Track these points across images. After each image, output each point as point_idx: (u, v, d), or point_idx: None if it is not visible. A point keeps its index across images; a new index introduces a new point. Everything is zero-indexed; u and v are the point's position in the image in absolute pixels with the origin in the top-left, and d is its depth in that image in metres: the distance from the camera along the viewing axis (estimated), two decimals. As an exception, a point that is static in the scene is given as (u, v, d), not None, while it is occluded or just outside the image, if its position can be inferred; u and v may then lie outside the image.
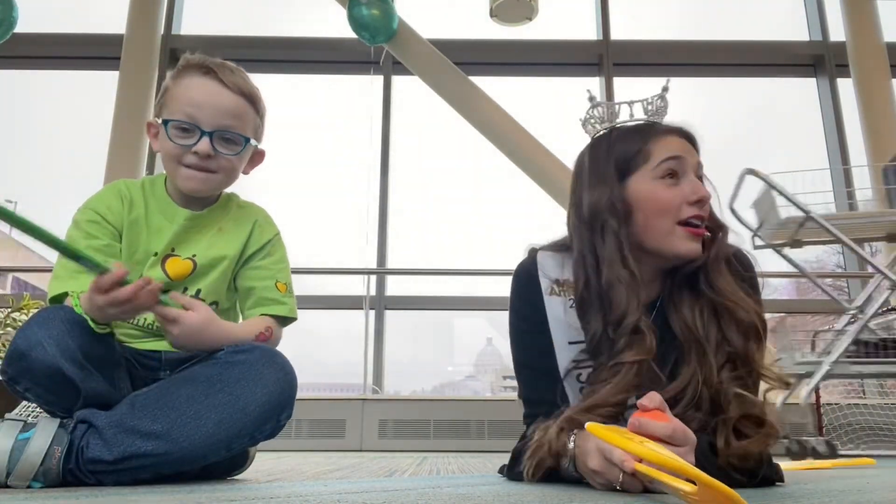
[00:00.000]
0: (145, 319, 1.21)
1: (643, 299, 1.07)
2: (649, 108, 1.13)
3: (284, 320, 1.31)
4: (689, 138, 1.12)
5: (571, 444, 0.93)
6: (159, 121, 1.21)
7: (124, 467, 0.96)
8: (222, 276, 1.27)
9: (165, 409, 1.00)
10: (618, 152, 1.11)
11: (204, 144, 1.17)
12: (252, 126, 1.25)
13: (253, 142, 1.26)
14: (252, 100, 1.24)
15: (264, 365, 1.08)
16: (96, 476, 0.96)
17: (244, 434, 1.05)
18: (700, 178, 1.11)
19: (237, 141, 1.22)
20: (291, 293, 1.33)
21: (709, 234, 1.09)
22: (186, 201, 1.27)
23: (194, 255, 1.25)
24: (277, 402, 1.07)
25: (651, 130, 1.11)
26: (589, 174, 1.12)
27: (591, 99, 1.16)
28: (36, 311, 1.07)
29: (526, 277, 1.19)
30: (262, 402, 1.05)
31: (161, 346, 1.20)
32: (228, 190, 1.34)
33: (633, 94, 1.14)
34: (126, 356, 1.16)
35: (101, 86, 5.42)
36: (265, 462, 1.91)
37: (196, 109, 1.17)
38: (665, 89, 1.13)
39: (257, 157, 1.32)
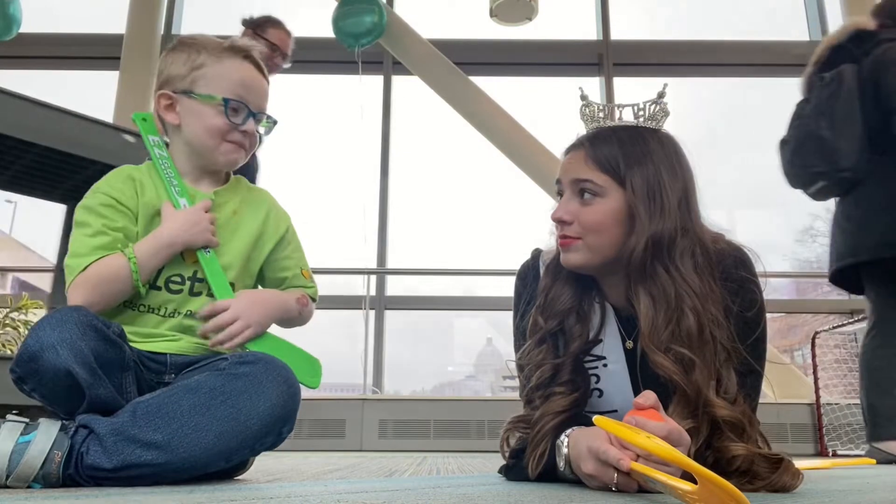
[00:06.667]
0: (164, 307, 1.21)
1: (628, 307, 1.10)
2: (640, 112, 1.09)
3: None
4: (583, 146, 1.08)
5: (566, 448, 0.94)
6: (207, 96, 1.25)
7: (123, 475, 0.96)
8: (237, 257, 1.28)
9: (167, 419, 0.99)
10: None
11: (251, 124, 1.28)
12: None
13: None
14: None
15: (267, 378, 1.08)
16: (95, 481, 0.96)
17: (244, 447, 1.05)
18: (583, 189, 1.06)
19: (265, 122, 1.34)
20: (313, 279, 1.41)
21: (574, 241, 1.06)
22: (196, 177, 1.30)
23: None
24: (280, 415, 1.07)
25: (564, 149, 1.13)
26: None
27: (583, 98, 1.13)
28: (49, 311, 1.07)
29: (527, 276, 1.20)
30: (264, 416, 1.05)
31: (167, 348, 1.19)
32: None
33: (634, 93, 1.11)
34: (133, 359, 1.15)
35: (102, 86, 5.42)
36: (265, 462, 1.91)
37: (246, 91, 1.27)
38: (661, 94, 1.09)
39: None
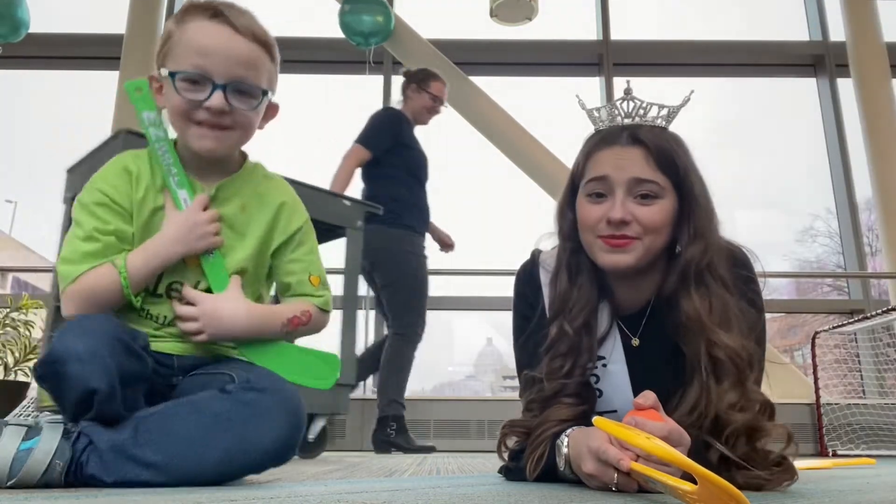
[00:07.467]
0: (162, 315, 1.15)
1: (633, 306, 1.11)
2: (671, 117, 1.08)
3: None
4: (640, 143, 1.03)
5: (566, 448, 0.94)
6: (164, 73, 1.09)
7: (121, 489, 0.95)
8: (244, 261, 1.18)
9: (168, 439, 0.97)
10: (574, 163, 1.11)
11: (217, 99, 1.06)
12: (267, 76, 1.13)
13: (270, 94, 1.15)
14: (266, 45, 1.12)
15: (275, 408, 1.03)
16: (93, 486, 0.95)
17: (244, 472, 1.03)
18: (642, 190, 1.02)
19: (253, 93, 1.10)
20: (326, 285, 1.25)
21: (632, 241, 1.02)
22: (201, 167, 1.15)
23: None
24: (283, 446, 1.03)
25: (594, 143, 1.07)
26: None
27: (627, 92, 1.10)
28: (77, 316, 1.02)
29: (526, 277, 1.19)
30: (268, 448, 1.01)
31: (174, 349, 1.15)
32: (252, 158, 1.24)
33: (633, 93, 1.10)
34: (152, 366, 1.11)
35: (101, 86, 5.42)
36: (265, 462, 1.90)
37: (206, 59, 1.05)
38: (687, 100, 1.08)
39: (271, 110, 1.20)
